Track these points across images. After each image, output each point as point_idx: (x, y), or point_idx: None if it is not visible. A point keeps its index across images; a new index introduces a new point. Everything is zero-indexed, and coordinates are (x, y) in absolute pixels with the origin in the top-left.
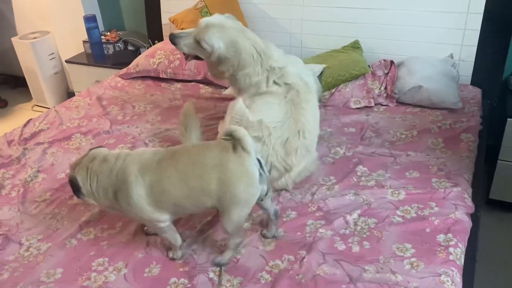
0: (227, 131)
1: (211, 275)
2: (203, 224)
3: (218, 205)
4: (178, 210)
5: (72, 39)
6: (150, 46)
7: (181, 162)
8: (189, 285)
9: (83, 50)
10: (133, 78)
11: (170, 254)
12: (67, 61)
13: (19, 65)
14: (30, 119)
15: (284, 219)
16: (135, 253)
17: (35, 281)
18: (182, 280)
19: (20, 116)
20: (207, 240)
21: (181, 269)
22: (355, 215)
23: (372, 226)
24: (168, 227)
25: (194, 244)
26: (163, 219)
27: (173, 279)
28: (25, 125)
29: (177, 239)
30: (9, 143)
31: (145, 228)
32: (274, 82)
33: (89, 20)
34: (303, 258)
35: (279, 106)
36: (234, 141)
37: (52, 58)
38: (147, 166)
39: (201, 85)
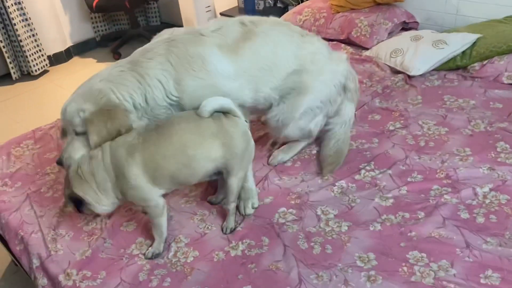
0: (213, 106)
1: (319, 212)
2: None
3: (225, 168)
4: (174, 182)
5: None
6: (298, 3)
7: (175, 134)
8: (296, 217)
9: (237, 4)
10: None
11: (150, 254)
12: (221, 14)
13: (179, 16)
14: None
15: (408, 179)
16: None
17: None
18: (291, 210)
19: None
20: (323, 180)
21: (293, 202)
22: (486, 189)
23: (503, 202)
24: (164, 211)
25: (310, 181)
26: (162, 192)
27: (282, 209)
28: None
29: (166, 227)
30: None
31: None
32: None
33: None
34: (420, 218)
35: None
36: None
37: (208, 11)
38: (133, 146)
39: (342, 45)
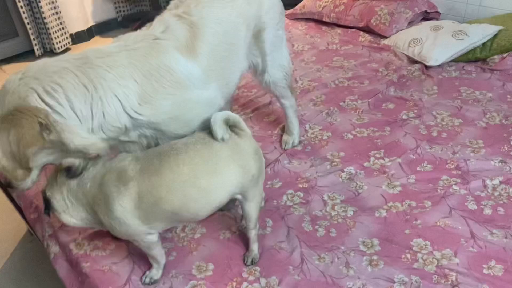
0: (219, 121)
1: (326, 197)
2: (334, 156)
3: (241, 193)
4: (172, 220)
5: None
6: None
7: (183, 163)
8: (303, 200)
9: None
10: (298, 19)
11: (147, 279)
12: None
13: None
14: None
15: (418, 169)
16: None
17: None
18: (298, 193)
19: None
20: (332, 166)
21: (301, 185)
22: (496, 181)
23: None
24: (156, 243)
25: (319, 165)
26: (153, 233)
27: (290, 191)
28: None
29: (163, 255)
30: None
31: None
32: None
33: None
34: (427, 207)
35: None
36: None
37: None
38: (127, 173)
39: (361, 33)
